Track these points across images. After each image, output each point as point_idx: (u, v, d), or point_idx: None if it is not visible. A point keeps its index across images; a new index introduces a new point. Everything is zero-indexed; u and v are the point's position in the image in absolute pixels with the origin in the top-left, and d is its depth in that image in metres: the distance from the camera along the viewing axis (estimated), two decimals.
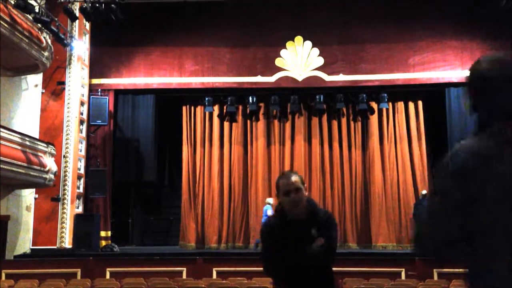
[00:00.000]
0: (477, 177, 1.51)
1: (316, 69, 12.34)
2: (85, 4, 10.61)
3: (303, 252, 2.80)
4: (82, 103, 12.08)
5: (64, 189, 11.36)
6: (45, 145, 10.64)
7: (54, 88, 11.82)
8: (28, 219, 11.23)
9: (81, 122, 12.03)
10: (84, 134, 12.07)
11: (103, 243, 11.57)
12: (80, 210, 11.70)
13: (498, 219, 1.48)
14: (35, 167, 10.05)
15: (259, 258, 2.92)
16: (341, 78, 12.29)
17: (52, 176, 10.62)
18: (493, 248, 1.49)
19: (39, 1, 10.24)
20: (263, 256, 2.96)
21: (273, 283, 3.09)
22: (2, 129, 9.26)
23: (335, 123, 12.86)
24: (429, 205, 1.66)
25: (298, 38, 12.42)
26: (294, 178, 2.88)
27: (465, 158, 1.56)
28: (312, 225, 2.86)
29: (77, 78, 11.93)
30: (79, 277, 9.45)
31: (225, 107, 12.87)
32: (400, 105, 12.79)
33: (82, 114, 12.06)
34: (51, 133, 11.51)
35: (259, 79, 12.41)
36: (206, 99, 12.62)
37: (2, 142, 9.11)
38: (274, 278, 3.02)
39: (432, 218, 1.60)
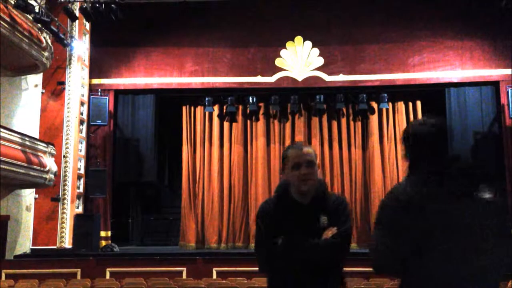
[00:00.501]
0: (407, 212, 1.90)
1: (316, 69, 12.34)
2: (85, 4, 10.61)
3: (310, 244, 2.28)
4: (82, 103, 12.08)
5: (64, 189, 11.36)
6: (45, 145, 10.64)
7: (54, 88, 11.82)
8: (28, 219, 11.23)
9: (81, 122, 12.03)
10: (84, 134, 12.08)
11: (103, 243, 11.58)
12: (80, 210, 11.70)
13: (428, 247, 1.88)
14: (35, 167, 10.05)
15: (254, 248, 2.44)
16: (341, 78, 12.30)
17: (52, 176, 10.62)
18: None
19: (39, 1, 10.24)
20: (258, 246, 2.42)
21: (268, 281, 2.45)
22: (2, 129, 9.26)
23: (335, 123, 12.86)
24: (375, 233, 2.01)
25: (298, 38, 12.42)
26: (306, 149, 2.41)
27: (396, 197, 1.97)
28: (321, 211, 2.36)
29: (77, 78, 11.93)
30: (79, 277, 9.45)
31: (225, 107, 12.86)
32: (400, 105, 12.79)
33: (82, 114, 12.07)
34: (51, 133, 11.51)
35: (259, 79, 12.41)
36: (206, 99, 12.61)
37: (2, 142, 9.11)
38: (270, 273, 2.41)
39: (376, 244, 1.98)
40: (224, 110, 12.92)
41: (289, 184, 2.44)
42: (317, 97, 12.40)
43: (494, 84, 12.09)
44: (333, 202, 2.42)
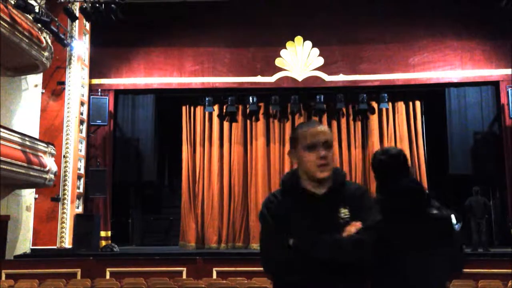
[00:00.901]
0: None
1: (316, 69, 12.34)
2: (85, 4, 10.61)
3: (329, 242, 1.87)
4: (82, 103, 12.08)
5: (64, 189, 11.35)
6: (45, 145, 10.64)
7: (54, 88, 11.82)
8: (28, 219, 11.23)
9: (81, 122, 12.03)
10: (84, 134, 12.07)
11: (103, 243, 11.57)
12: (80, 210, 11.70)
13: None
14: (35, 167, 10.05)
15: (259, 251, 2.04)
16: (341, 78, 12.29)
17: (52, 176, 10.61)
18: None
19: (39, 1, 10.24)
20: (264, 248, 1.99)
21: (274, 285, 2.04)
22: (2, 129, 9.26)
23: (335, 123, 12.85)
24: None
25: (298, 38, 12.42)
26: (323, 127, 2.01)
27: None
28: (339, 202, 1.96)
29: (77, 78, 11.93)
30: (79, 277, 9.45)
31: (225, 107, 12.86)
32: (400, 105, 12.79)
33: (82, 114, 12.06)
34: (51, 133, 11.51)
35: (259, 79, 12.41)
36: (206, 99, 12.61)
37: (2, 142, 9.11)
38: (279, 279, 1.97)
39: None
40: (224, 110, 12.91)
41: (297, 173, 2.03)
42: (317, 97, 12.40)
43: (494, 84, 12.09)
44: (354, 192, 2.01)
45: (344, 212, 1.94)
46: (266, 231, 1.99)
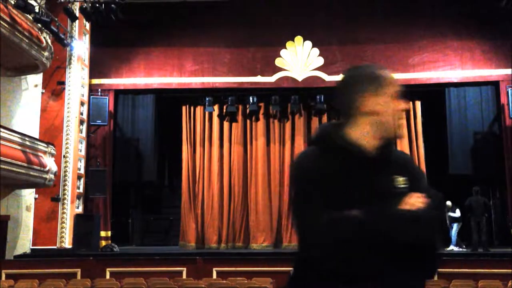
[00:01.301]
0: None
1: (316, 69, 12.34)
2: (85, 4, 10.61)
3: (406, 216, 1.43)
4: (82, 103, 12.07)
5: (64, 189, 11.35)
6: (45, 145, 10.64)
7: (54, 88, 11.82)
8: (28, 219, 11.23)
9: (81, 122, 12.03)
10: (84, 134, 12.07)
11: (103, 243, 11.57)
12: (80, 210, 11.70)
13: None
14: (35, 167, 10.05)
15: (292, 222, 1.54)
16: None
17: (52, 176, 10.62)
18: None
19: (39, 1, 10.24)
20: (309, 225, 1.47)
21: (292, 275, 1.55)
22: (2, 129, 9.26)
23: None
24: None
25: (298, 38, 12.42)
26: None
27: None
28: (394, 169, 1.54)
29: (77, 78, 11.92)
30: (79, 277, 9.46)
31: (225, 107, 12.86)
32: None
33: (82, 114, 12.06)
34: (51, 133, 11.51)
35: (259, 79, 12.41)
36: (206, 99, 12.61)
37: (2, 142, 9.11)
38: (321, 262, 1.45)
39: None
40: (224, 110, 12.91)
41: (339, 125, 1.57)
42: (317, 97, 12.39)
43: (494, 84, 12.10)
44: (405, 158, 1.63)
45: (402, 181, 1.51)
46: (308, 201, 1.47)
